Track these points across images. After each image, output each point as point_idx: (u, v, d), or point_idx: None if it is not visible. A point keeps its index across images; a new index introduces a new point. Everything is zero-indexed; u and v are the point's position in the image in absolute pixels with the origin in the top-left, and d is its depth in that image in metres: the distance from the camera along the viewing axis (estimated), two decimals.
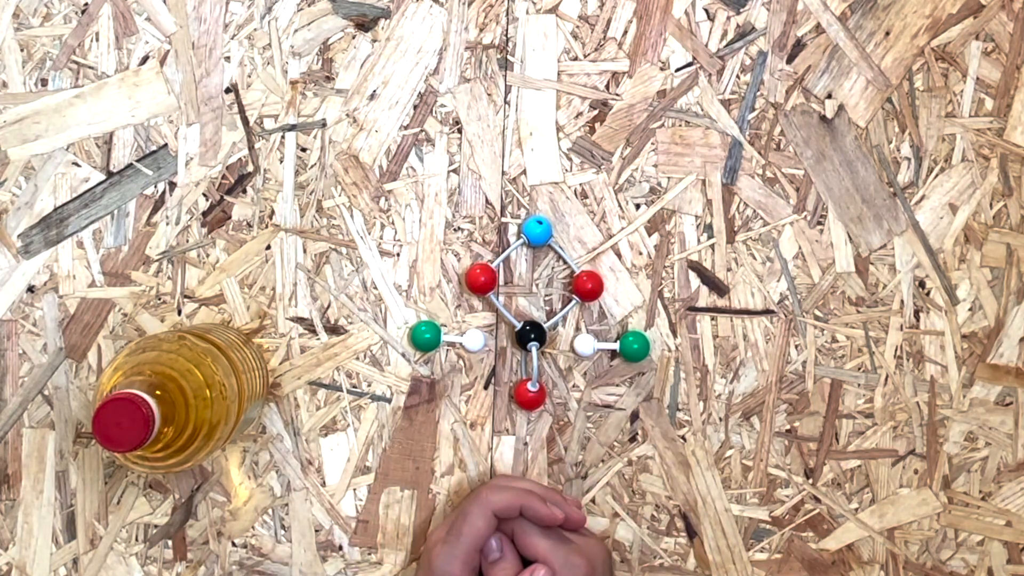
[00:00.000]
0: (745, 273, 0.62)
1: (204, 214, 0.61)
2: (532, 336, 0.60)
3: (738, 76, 0.61)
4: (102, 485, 0.61)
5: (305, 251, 0.61)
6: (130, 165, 0.61)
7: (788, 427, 0.62)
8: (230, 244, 0.61)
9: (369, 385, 0.62)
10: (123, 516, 0.61)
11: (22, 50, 0.61)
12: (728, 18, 0.61)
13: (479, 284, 0.60)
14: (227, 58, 0.61)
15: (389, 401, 0.62)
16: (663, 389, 0.62)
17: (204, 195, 0.61)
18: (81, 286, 0.61)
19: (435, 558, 0.55)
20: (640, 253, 0.62)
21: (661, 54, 0.61)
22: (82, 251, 0.61)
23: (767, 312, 0.62)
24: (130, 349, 0.52)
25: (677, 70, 0.61)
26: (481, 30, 0.61)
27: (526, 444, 0.62)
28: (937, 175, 0.62)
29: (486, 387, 0.62)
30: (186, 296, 0.61)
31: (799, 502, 0.62)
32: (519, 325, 0.61)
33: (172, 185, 0.61)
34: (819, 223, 0.62)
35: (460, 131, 0.61)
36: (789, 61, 0.61)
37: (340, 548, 0.62)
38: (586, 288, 0.60)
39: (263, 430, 0.62)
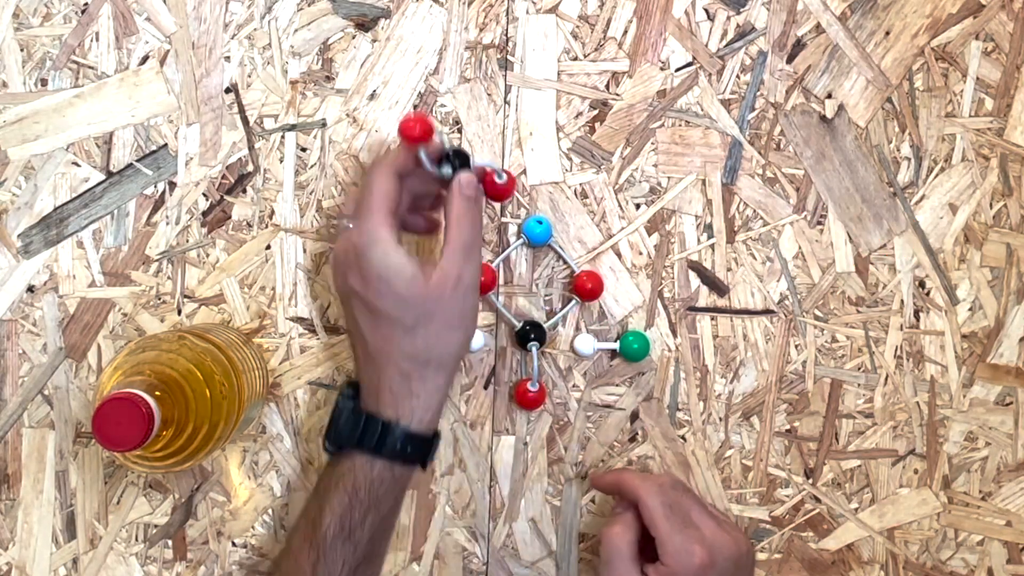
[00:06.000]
0: (745, 273, 0.62)
1: (204, 214, 0.61)
2: (532, 336, 0.60)
3: (738, 76, 0.61)
4: (102, 485, 0.61)
5: (305, 251, 0.61)
6: (130, 165, 0.61)
7: (788, 427, 0.62)
8: (230, 244, 0.61)
9: None
10: (123, 516, 0.61)
11: (22, 50, 0.61)
12: (728, 18, 0.61)
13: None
14: (227, 58, 0.61)
15: None
16: (663, 389, 0.62)
17: (204, 195, 0.61)
18: (81, 286, 0.61)
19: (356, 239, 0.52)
20: (640, 253, 0.62)
21: (661, 54, 0.61)
22: (82, 251, 0.61)
23: (767, 312, 0.62)
24: (130, 349, 0.52)
25: (677, 70, 0.61)
26: (481, 30, 0.61)
27: (526, 444, 0.62)
28: (937, 175, 0.62)
29: (486, 387, 0.62)
30: (186, 296, 0.61)
31: (799, 502, 0.62)
32: (519, 325, 0.61)
33: (172, 185, 0.61)
34: (819, 223, 0.62)
35: (460, 131, 0.61)
36: (789, 61, 0.61)
37: None
38: (586, 288, 0.60)
39: (263, 430, 0.62)
